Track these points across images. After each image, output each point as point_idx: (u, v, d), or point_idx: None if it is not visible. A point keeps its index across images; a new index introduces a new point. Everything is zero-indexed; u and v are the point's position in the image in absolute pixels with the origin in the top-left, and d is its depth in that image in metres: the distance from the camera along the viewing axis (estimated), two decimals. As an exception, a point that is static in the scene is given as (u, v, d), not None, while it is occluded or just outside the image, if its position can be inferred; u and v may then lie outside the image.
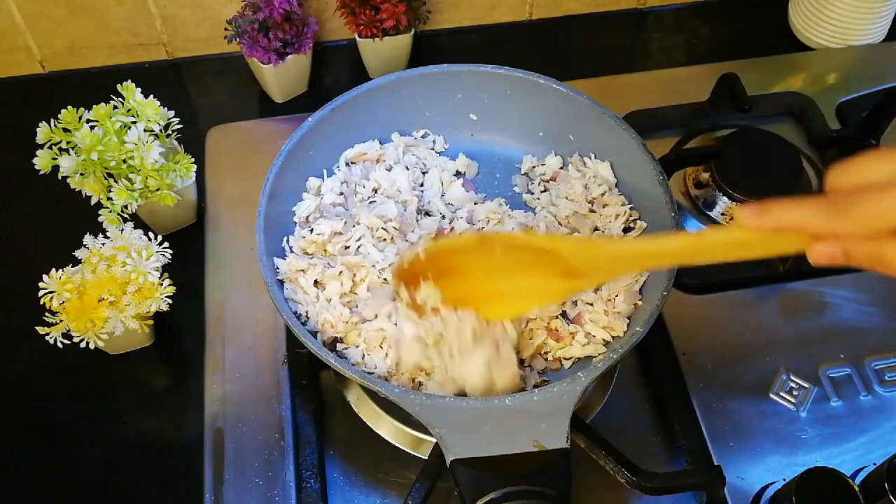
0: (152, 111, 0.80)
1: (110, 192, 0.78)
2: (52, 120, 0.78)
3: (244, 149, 0.96)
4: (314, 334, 0.70)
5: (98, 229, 0.78)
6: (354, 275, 0.73)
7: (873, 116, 0.96)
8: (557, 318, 0.73)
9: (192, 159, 0.84)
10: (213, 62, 1.06)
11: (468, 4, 1.09)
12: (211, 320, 0.83)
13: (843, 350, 0.81)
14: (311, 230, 0.77)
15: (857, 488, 0.65)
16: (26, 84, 1.04)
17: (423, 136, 0.86)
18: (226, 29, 0.96)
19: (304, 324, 0.71)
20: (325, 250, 0.76)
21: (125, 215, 0.79)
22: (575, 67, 1.07)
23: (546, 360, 0.72)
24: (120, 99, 0.80)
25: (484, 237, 0.64)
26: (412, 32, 1.00)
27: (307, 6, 1.02)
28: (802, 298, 0.85)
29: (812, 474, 0.66)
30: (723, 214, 0.90)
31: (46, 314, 0.73)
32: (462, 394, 0.66)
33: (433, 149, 0.86)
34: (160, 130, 0.81)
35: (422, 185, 0.83)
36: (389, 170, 0.82)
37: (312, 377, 0.77)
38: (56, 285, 0.73)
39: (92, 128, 0.78)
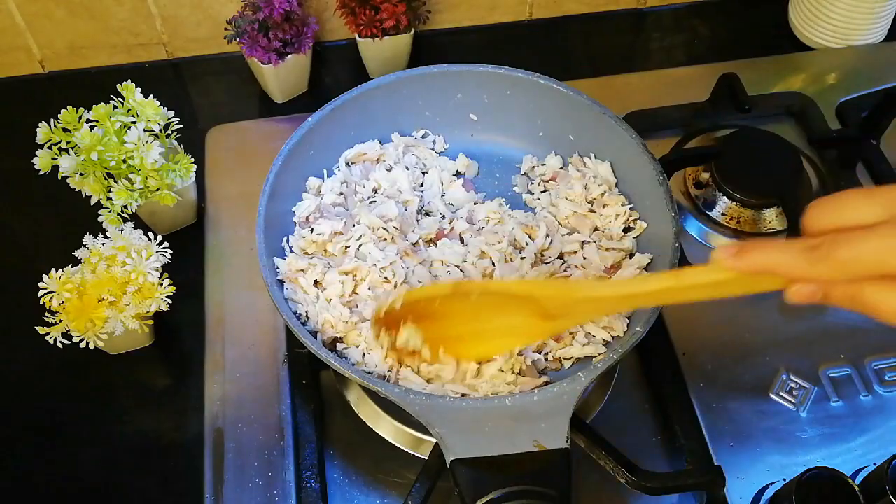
0: (152, 111, 0.80)
1: (110, 192, 0.78)
2: (52, 120, 0.78)
3: (244, 149, 0.96)
4: (314, 334, 0.70)
5: (98, 229, 0.78)
6: (355, 276, 0.73)
7: (873, 116, 0.96)
8: None
9: (192, 159, 0.84)
10: (213, 62, 1.06)
11: (468, 4, 1.08)
12: (211, 320, 0.83)
13: (843, 350, 0.81)
14: (312, 230, 0.77)
15: (857, 488, 0.65)
16: (26, 84, 1.04)
17: (423, 136, 0.86)
18: (226, 29, 0.96)
19: (304, 324, 0.71)
20: (325, 250, 0.76)
21: (125, 215, 0.79)
22: (575, 67, 1.07)
23: (546, 360, 0.72)
24: (120, 99, 0.80)
25: (458, 285, 0.63)
26: (412, 32, 1.00)
27: (307, 6, 1.02)
28: (802, 298, 0.85)
29: (812, 474, 0.66)
30: (723, 214, 0.90)
31: (46, 314, 0.73)
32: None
33: (433, 149, 0.86)
34: (160, 130, 0.81)
35: (422, 185, 0.83)
36: (389, 170, 0.82)
37: (312, 377, 0.77)
38: (56, 285, 0.73)
39: (92, 128, 0.78)
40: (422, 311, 0.63)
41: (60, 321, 0.73)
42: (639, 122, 0.92)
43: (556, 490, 0.58)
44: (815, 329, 0.83)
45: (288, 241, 0.76)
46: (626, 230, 0.78)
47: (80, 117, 0.78)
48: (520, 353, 0.71)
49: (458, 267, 0.75)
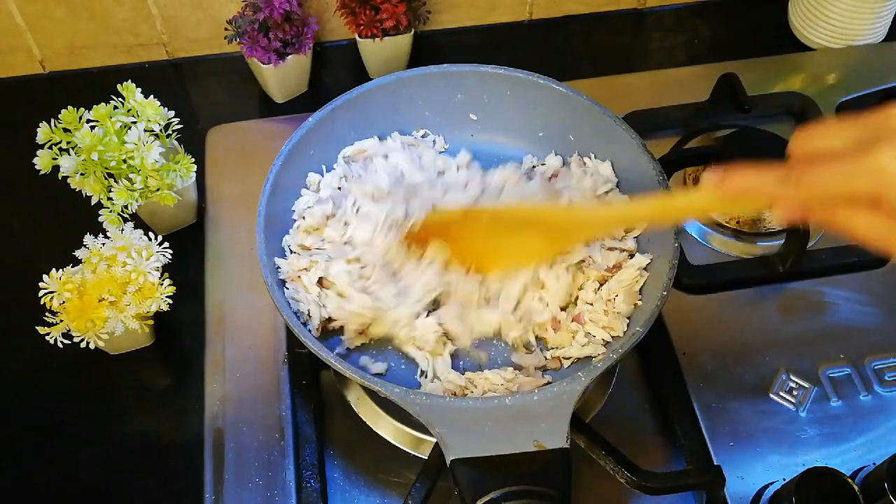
0: (152, 111, 0.80)
1: (110, 192, 0.78)
2: (52, 120, 0.78)
3: (244, 149, 0.96)
4: (338, 332, 0.71)
5: (98, 229, 0.78)
6: (360, 262, 0.74)
7: (873, 116, 0.96)
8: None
9: (192, 159, 0.84)
10: (213, 62, 1.06)
11: (468, 4, 1.08)
12: (211, 320, 0.83)
13: (843, 350, 0.81)
14: (304, 217, 0.77)
15: (857, 488, 0.65)
16: (26, 84, 1.04)
17: (423, 136, 0.86)
18: (226, 29, 0.96)
19: (304, 324, 0.71)
20: (322, 240, 0.76)
21: (125, 215, 0.79)
22: (574, 67, 1.07)
23: (546, 359, 0.72)
24: (120, 99, 0.81)
25: (469, 210, 0.70)
26: (412, 32, 1.00)
27: (307, 6, 1.02)
28: (802, 298, 0.85)
29: (812, 474, 0.66)
30: (723, 214, 0.90)
31: (46, 314, 0.73)
32: None
33: (433, 148, 0.86)
34: (160, 130, 0.81)
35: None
36: (387, 157, 0.82)
37: (312, 377, 0.77)
38: (56, 285, 0.73)
39: (92, 128, 0.78)
40: (442, 234, 0.71)
41: (61, 321, 0.73)
42: (639, 122, 0.92)
43: (556, 490, 0.58)
44: (815, 329, 0.83)
45: (287, 242, 0.76)
46: (627, 230, 0.78)
47: (81, 117, 0.78)
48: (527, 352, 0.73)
49: None
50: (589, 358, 0.71)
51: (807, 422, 0.77)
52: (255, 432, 0.76)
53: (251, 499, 0.72)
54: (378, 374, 0.72)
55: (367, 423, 0.76)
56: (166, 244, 0.77)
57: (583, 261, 0.76)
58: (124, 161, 0.78)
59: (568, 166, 0.83)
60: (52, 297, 0.72)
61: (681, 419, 0.75)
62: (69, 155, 0.78)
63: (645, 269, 0.74)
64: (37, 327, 0.73)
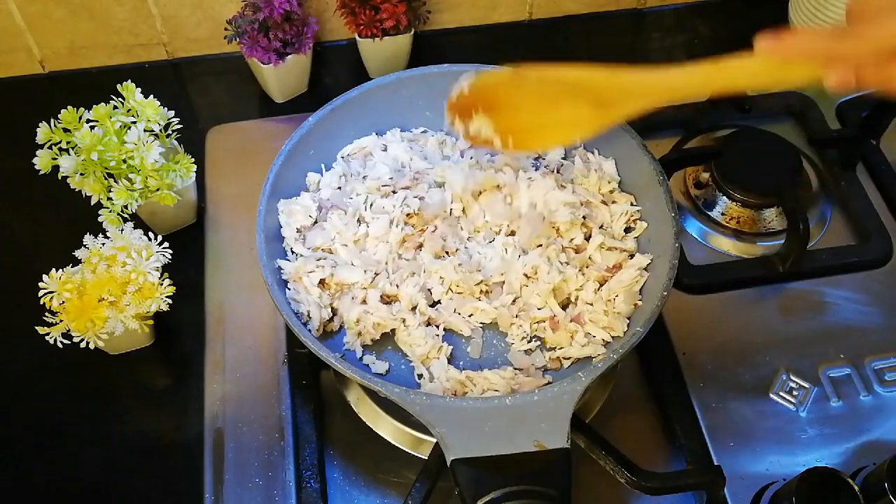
0: (152, 111, 0.80)
1: (110, 192, 0.78)
2: (52, 120, 0.78)
3: (244, 149, 0.96)
4: (337, 332, 0.72)
5: (98, 229, 0.78)
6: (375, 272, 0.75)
7: (873, 116, 0.96)
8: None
9: (192, 159, 0.84)
10: (213, 62, 1.06)
11: (468, 4, 1.08)
12: (211, 320, 0.83)
13: (843, 350, 0.81)
14: (304, 238, 0.77)
15: (857, 488, 0.65)
16: (26, 84, 1.04)
17: (422, 133, 0.86)
18: (226, 29, 0.96)
19: (304, 324, 0.71)
20: (332, 240, 0.77)
21: (125, 215, 0.79)
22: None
23: (547, 360, 0.72)
24: (120, 99, 0.80)
25: (517, 70, 0.67)
26: (412, 32, 1.00)
27: (307, 6, 1.02)
28: (802, 298, 0.85)
29: (812, 474, 0.66)
30: (723, 214, 0.90)
31: (46, 314, 0.73)
32: None
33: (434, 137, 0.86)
34: (160, 130, 0.81)
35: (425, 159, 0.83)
36: (385, 150, 0.83)
37: (312, 377, 0.77)
38: (56, 285, 0.72)
39: (92, 128, 0.78)
40: (489, 100, 0.69)
41: (60, 321, 0.73)
42: (639, 122, 0.92)
43: (556, 490, 0.58)
44: (815, 329, 0.83)
45: (289, 244, 0.77)
46: (627, 230, 0.78)
47: (81, 117, 0.78)
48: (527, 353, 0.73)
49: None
50: (589, 358, 0.71)
51: (807, 422, 0.77)
52: (255, 432, 0.76)
53: (251, 499, 0.72)
54: (378, 374, 0.72)
55: (367, 423, 0.76)
56: (166, 244, 0.77)
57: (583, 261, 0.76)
58: (124, 161, 0.78)
59: (572, 160, 0.83)
60: (51, 297, 0.72)
61: (681, 419, 0.75)
62: (69, 155, 0.78)
63: (645, 269, 0.74)
64: (37, 327, 0.73)
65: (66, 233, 0.81)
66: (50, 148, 0.78)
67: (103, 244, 0.76)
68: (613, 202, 0.79)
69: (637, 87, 0.63)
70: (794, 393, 0.79)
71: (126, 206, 0.78)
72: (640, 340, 0.66)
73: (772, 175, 0.89)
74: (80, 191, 0.79)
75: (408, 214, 0.77)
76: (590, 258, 0.76)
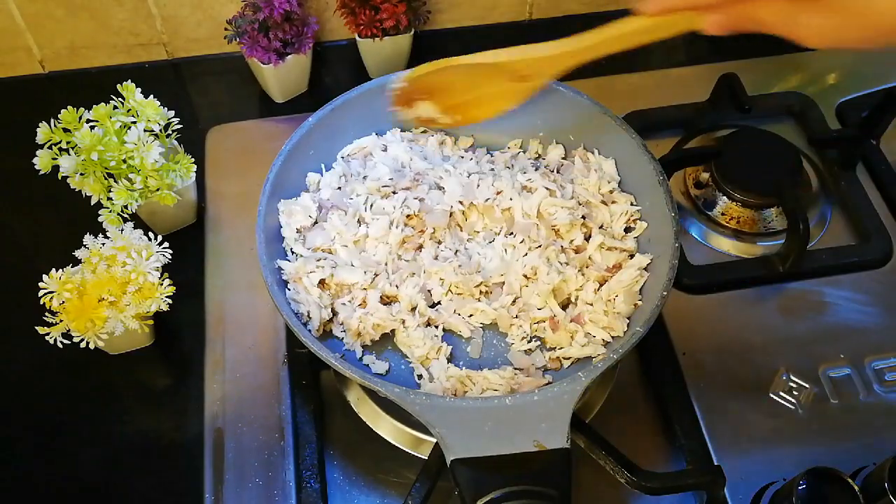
0: (152, 111, 0.80)
1: (110, 192, 0.78)
2: (52, 120, 0.78)
3: (244, 149, 0.96)
4: (356, 337, 0.72)
5: (98, 229, 0.78)
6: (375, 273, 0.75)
7: (873, 116, 0.96)
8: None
9: (192, 159, 0.84)
10: (213, 62, 1.06)
11: (468, 4, 1.08)
12: (211, 320, 0.83)
13: (843, 350, 0.81)
14: (304, 239, 0.77)
15: (857, 488, 0.65)
16: (26, 84, 1.04)
17: (422, 133, 0.86)
18: (226, 29, 0.96)
19: (305, 324, 0.71)
20: (332, 240, 0.77)
21: (125, 215, 0.79)
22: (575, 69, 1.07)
23: (547, 360, 0.72)
24: (120, 99, 0.80)
25: (449, 61, 0.73)
26: (412, 32, 1.00)
27: (307, 6, 1.02)
28: (802, 298, 0.85)
29: (812, 474, 0.66)
30: (723, 214, 0.90)
31: (46, 314, 0.73)
32: None
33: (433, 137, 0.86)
34: (160, 130, 0.81)
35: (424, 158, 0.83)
36: (385, 150, 0.83)
37: (312, 377, 0.77)
38: (56, 285, 0.72)
39: (92, 128, 0.78)
40: (427, 88, 0.77)
41: (60, 321, 0.73)
42: (639, 122, 0.92)
43: (556, 490, 0.58)
44: (815, 329, 0.83)
45: (289, 244, 0.77)
46: (627, 230, 0.78)
47: (80, 117, 0.78)
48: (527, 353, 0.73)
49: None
50: (589, 358, 0.71)
51: (807, 422, 0.77)
52: (255, 432, 0.76)
53: (251, 499, 0.72)
54: (378, 374, 0.72)
55: (367, 423, 0.76)
56: (166, 244, 0.77)
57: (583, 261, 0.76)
58: (124, 161, 0.78)
59: (571, 160, 0.83)
60: (51, 297, 0.72)
61: (681, 419, 0.75)
62: (69, 155, 0.78)
63: (645, 269, 0.74)
64: (37, 327, 0.73)
65: (66, 233, 0.81)
66: (50, 148, 0.78)
67: (103, 244, 0.76)
68: (613, 202, 0.79)
69: (545, 59, 0.70)
70: (794, 393, 0.79)
71: (126, 206, 0.78)
72: (639, 340, 0.66)
73: (772, 175, 0.89)
74: (80, 191, 0.79)
75: (408, 216, 0.77)
76: (590, 258, 0.76)
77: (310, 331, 0.70)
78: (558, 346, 0.73)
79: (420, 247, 0.77)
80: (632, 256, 0.76)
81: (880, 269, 0.87)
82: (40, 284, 0.72)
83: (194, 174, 0.85)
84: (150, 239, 0.77)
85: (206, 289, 0.85)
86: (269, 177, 0.74)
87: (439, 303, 0.75)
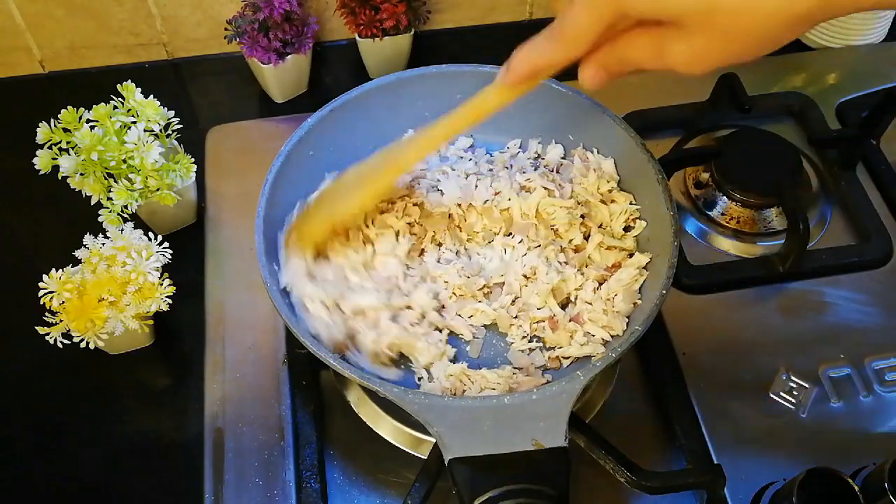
0: (152, 111, 0.80)
1: (110, 192, 0.78)
2: (52, 120, 0.78)
3: (244, 149, 0.96)
4: (376, 359, 0.71)
5: (98, 229, 0.78)
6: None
7: (873, 116, 0.96)
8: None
9: (192, 159, 0.85)
10: (213, 62, 1.07)
11: (468, 4, 1.09)
12: (211, 320, 0.83)
13: (843, 350, 0.81)
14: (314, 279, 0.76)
15: (857, 488, 0.65)
16: (26, 84, 1.04)
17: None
18: (226, 29, 0.96)
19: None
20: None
21: (125, 215, 0.79)
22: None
23: (545, 358, 0.72)
24: (120, 99, 0.81)
25: (304, 212, 0.73)
26: (412, 32, 1.00)
27: (307, 6, 1.02)
28: (802, 298, 0.85)
29: (812, 474, 0.65)
30: (723, 214, 0.90)
31: (46, 314, 0.73)
32: None
33: None
34: (160, 130, 0.81)
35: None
36: None
37: (312, 377, 0.77)
38: (56, 285, 0.73)
39: (92, 128, 0.78)
40: (307, 233, 0.73)
41: (60, 321, 0.73)
42: (639, 122, 0.92)
43: (554, 489, 0.58)
44: (815, 329, 0.83)
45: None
46: (626, 229, 0.78)
47: (80, 117, 0.78)
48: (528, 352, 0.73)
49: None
50: (588, 357, 0.71)
51: (807, 422, 0.77)
52: (255, 432, 0.76)
53: (251, 499, 0.72)
54: (378, 375, 0.72)
55: (367, 423, 0.76)
56: (166, 244, 0.77)
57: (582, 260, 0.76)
58: (124, 161, 0.78)
59: (570, 159, 0.83)
60: (51, 297, 0.73)
61: (681, 419, 0.75)
62: (69, 155, 0.78)
63: (644, 268, 0.74)
64: (37, 327, 0.73)
65: (66, 233, 0.81)
66: (50, 148, 0.78)
67: (103, 244, 0.76)
68: (612, 201, 0.79)
69: (410, 152, 0.68)
70: (794, 393, 0.79)
71: (126, 206, 0.79)
72: (638, 339, 0.66)
73: (772, 175, 0.89)
74: (80, 191, 0.79)
75: (409, 224, 0.77)
76: (589, 257, 0.76)
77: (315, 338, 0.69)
78: (557, 345, 0.73)
79: (422, 251, 0.77)
80: (631, 255, 0.76)
81: (880, 269, 0.87)
82: (40, 284, 0.73)
83: (194, 174, 0.85)
84: (150, 239, 0.77)
85: (206, 289, 0.85)
86: (269, 177, 0.74)
87: (443, 306, 0.75)
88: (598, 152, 0.82)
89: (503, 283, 0.75)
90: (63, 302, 0.72)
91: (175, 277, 0.77)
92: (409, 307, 0.74)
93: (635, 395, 0.79)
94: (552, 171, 0.82)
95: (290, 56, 0.96)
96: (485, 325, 0.75)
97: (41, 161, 0.78)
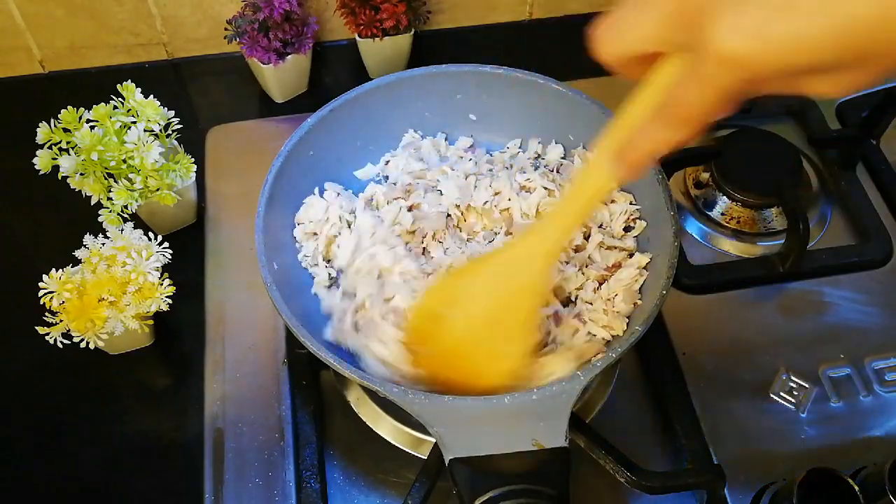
0: (152, 111, 0.80)
1: (110, 192, 0.78)
2: (52, 120, 0.78)
3: (244, 149, 0.96)
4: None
5: (98, 229, 0.78)
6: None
7: (873, 116, 0.96)
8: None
9: (192, 159, 0.85)
10: (213, 62, 1.07)
11: (468, 4, 1.08)
12: (211, 320, 0.83)
13: (843, 350, 0.81)
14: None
15: (857, 488, 0.65)
16: (26, 84, 1.04)
17: (422, 138, 0.86)
18: (226, 29, 0.96)
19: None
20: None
21: (125, 215, 0.79)
22: (575, 67, 1.07)
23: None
24: (120, 99, 0.81)
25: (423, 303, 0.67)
26: (412, 32, 1.00)
27: (307, 6, 1.02)
28: (802, 298, 0.85)
29: (812, 474, 0.65)
30: (723, 214, 0.90)
31: (46, 314, 0.73)
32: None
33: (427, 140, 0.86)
34: (160, 130, 0.81)
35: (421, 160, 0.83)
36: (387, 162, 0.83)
37: (312, 377, 0.77)
38: (56, 285, 0.73)
39: (92, 128, 0.78)
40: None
41: (60, 321, 0.73)
42: (639, 122, 0.92)
43: (554, 489, 0.58)
44: (815, 329, 0.83)
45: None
46: (626, 230, 0.78)
47: (80, 117, 0.78)
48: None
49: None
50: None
51: (807, 422, 0.77)
52: (255, 432, 0.76)
53: (251, 499, 0.72)
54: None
55: (367, 423, 0.76)
56: (166, 244, 0.77)
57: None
58: (124, 161, 0.78)
59: (571, 160, 0.83)
60: (51, 297, 0.72)
61: (681, 419, 0.75)
62: (69, 155, 0.78)
63: (644, 268, 0.74)
64: (37, 327, 0.73)
65: (66, 233, 0.81)
66: (50, 148, 0.78)
67: (103, 244, 0.76)
68: (612, 201, 0.79)
69: (537, 246, 0.62)
70: (794, 393, 0.79)
71: (126, 206, 0.79)
72: (638, 339, 0.66)
73: (772, 175, 0.89)
74: (80, 191, 0.79)
75: (409, 231, 0.77)
76: (589, 257, 0.76)
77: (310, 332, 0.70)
78: (561, 342, 0.72)
79: (424, 250, 0.77)
80: (631, 256, 0.76)
81: (880, 269, 0.87)
82: (40, 284, 0.73)
83: (194, 174, 0.85)
84: (150, 239, 0.77)
85: (206, 289, 0.85)
86: (269, 178, 0.74)
87: None
88: (598, 153, 0.82)
89: None
90: (63, 302, 0.72)
91: (175, 277, 0.77)
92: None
93: (635, 395, 0.79)
94: (552, 171, 0.82)
95: (290, 56, 0.96)
96: None
97: (41, 161, 0.78)
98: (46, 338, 0.73)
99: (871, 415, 0.77)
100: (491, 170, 0.82)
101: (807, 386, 0.79)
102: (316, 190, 0.80)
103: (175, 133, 0.83)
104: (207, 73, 1.06)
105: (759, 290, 0.86)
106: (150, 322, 0.78)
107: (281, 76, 0.98)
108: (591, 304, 0.74)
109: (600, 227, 0.78)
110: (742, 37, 0.38)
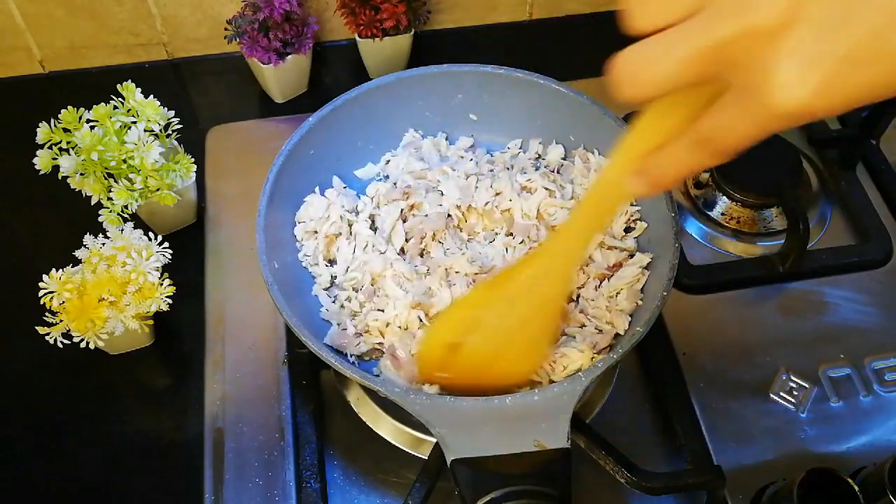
0: (152, 111, 0.80)
1: (110, 192, 0.78)
2: (52, 120, 0.78)
3: (244, 149, 0.96)
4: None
5: (98, 229, 0.78)
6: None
7: (873, 116, 0.96)
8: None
9: (192, 159, 0.84)
10: (213, 62, 1.06)
11: (468, 4, 1.08)
12: (211, 320, 0.83)
13: (843, 350, 0.81)
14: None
15: (857, 488, 0.65)
16: (26, 84, 1.04)
17: (422, 137, 0.86)
18: (226, 29, 0.96)
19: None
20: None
21: (125, 215, 0.79)
22: (575, 67, 1.07)
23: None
24: (120, 99, 0.80)
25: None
26: (412, 32, 1.00)
27: (307, 6, 1.02)
28: (802, 298, 0.85)
29: (812, 474, 0.65)
30: (723, 214, 0.90)
31: (46, 314, 0.73)
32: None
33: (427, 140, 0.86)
34: (160, 130, 0.81)
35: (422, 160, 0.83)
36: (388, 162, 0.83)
37: (312, 377, 0.77)
38: (56, 285, 0.72)
39: (92, 128, 0.78)
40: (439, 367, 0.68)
41: (60, 321, 0.73)
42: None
43: (556, 490, 0.58)
44: (815, 329, 0.83)
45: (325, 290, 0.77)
46: (627, 230, 0.78)
47: (81, 117, 0.78)
48: None
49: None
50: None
51: (807, 422, 0.77)
52: (255, 432, 0.76)
53: (251, 499, 0.72)
54: (378, 374, 0.72)
55: (367, 423, 0.76)
56: (166, 244, 0.77)
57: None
58: (124, 161, 0.78)
59: (571, 160, 0.83)
60: (51, 297, 0.72)
61: (681, 419, 0.75)
62: (69, 155, 0.78)
63: (645, 268, 0.74)
64: (36, 327, 0.73)
65: (66, 233, 0.81)
66: (50, 148, 0.78)
67: (103, 244, 0.76)
68: None
69: (565, 244, 0.62)
70: (794, 393, 0.79)
71: (126, 206, 0.78)
72: (639, 340, 0.66)
73: (772, 175, 0.89)
74: (80, 191, 0.79)
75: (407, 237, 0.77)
76: (590, 258, 0.76)
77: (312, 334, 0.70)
78: (572, 337, 0.72)
79: (422, 252, 0.77)
80: (632, 256, 0.76)
81: (880, 269, 0.87)
82: (40, 284, 0.72)
83: (194, 174, 0.85)
84: (150, 239, 0.77)
85: (206, 289, 0.85)
86: (269, 178, 0.74)
87: None
88: (599, 153, 0.82)
89: None
90: (63, 302, 0.72)
91: (175, 277, 0.77)
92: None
93: (635, 395, 0.79)
94: (553, 171, 0.82)
95: (290, 56, 0.96)
96: None
97: (41, 161, 0.78)
98: (46, 338, 0.73)
99: (871, 415, 0.78)
100: (492, 170, 0.82)
101: (807, 386, 0.79)
102: (317, 188, 0.80)
103: (175, 133, 0.83)
104: (207, 73, 1.06)
105: (759, 290, 0.86)
106: (150, 322, 0.78)
107: (281, 76, 0.98)
108: (593, 300, 0.74)
109: None
110: (807, 94, 0.35)
